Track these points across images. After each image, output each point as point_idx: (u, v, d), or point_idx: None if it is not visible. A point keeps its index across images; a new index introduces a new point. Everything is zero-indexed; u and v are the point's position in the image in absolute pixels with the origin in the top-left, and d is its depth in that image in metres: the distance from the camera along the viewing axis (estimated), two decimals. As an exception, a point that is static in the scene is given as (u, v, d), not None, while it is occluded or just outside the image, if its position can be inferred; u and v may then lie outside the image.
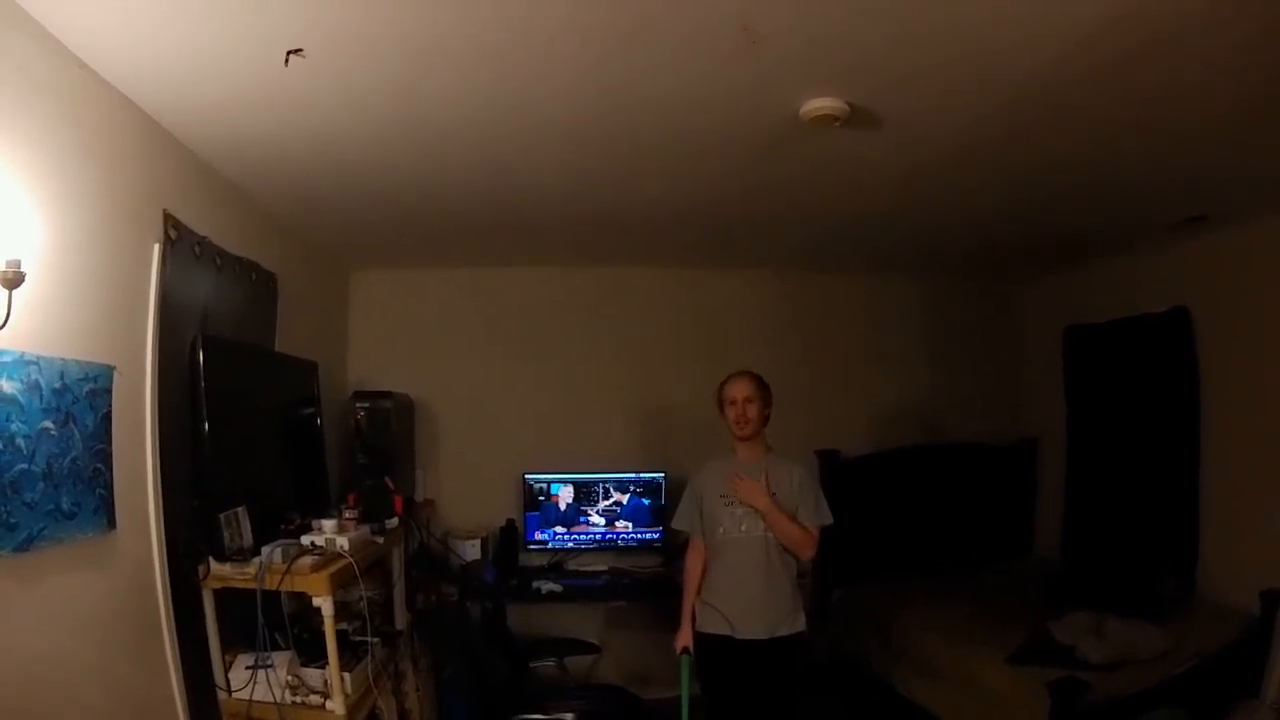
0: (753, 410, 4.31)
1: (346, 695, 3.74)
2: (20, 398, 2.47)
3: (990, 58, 3.00)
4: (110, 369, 3.01)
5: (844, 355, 7.16)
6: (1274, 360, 5.06)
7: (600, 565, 6.50)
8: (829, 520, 4.28)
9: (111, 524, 3.00)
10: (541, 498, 6.48)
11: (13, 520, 2.42)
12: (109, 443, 2.99)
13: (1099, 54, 2.93)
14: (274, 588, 3.57)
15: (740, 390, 4.35)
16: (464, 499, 6.59)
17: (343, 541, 3.91)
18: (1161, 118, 3.57)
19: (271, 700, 3.63)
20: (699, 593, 4.38)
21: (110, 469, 2.99)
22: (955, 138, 3.81)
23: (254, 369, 4.41)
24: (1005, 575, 6.54)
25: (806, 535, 4.16)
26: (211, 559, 3.57)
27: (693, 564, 4.45)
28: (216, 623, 3.71)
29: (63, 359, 2.72)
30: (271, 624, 3.69)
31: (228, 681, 3.70)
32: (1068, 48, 2.90)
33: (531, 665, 5.49)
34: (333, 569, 3.71)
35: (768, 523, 4.14)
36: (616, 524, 6.52)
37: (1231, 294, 5.39)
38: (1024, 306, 7.54)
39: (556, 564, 6.48)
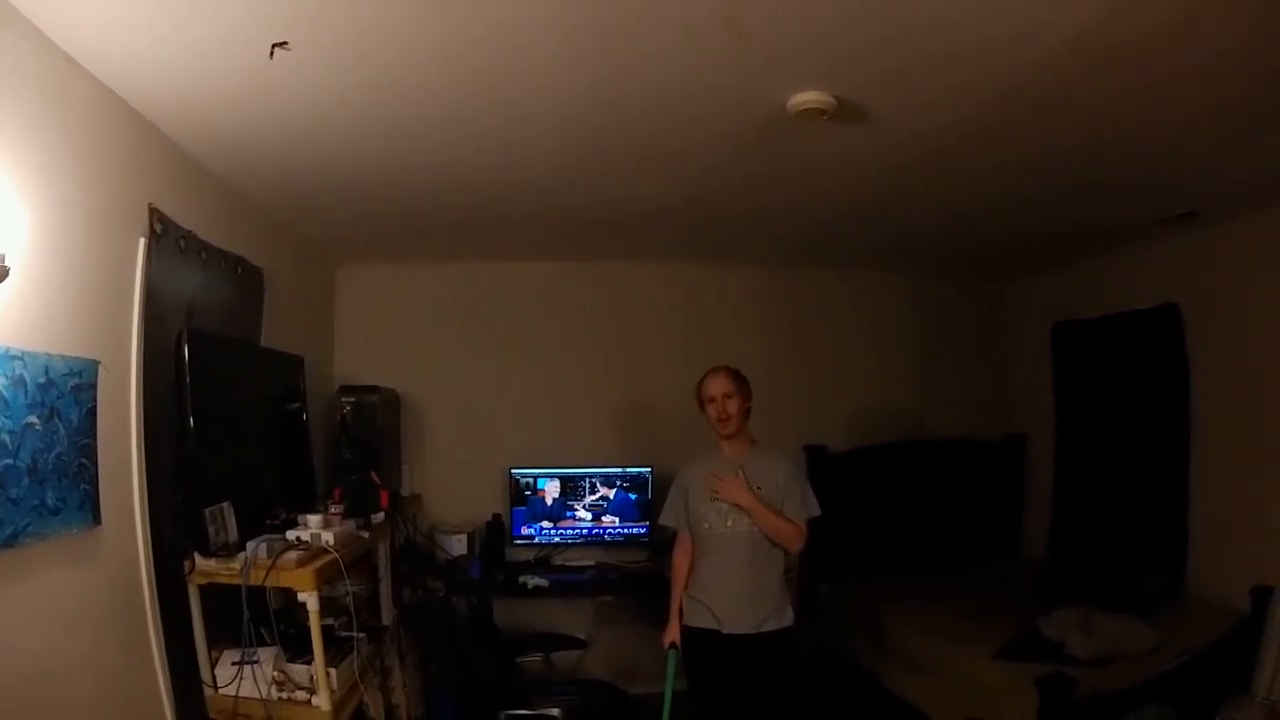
0: (732, 406, 4.30)
1: (332, 691, 3.73)
2: (5, 393, 2.46)
3: (979, 53, 3.00)
4: (95, 364, 2.99)
5: (832, 350, 7.17)
6: (1264, 357, 5.08)
7: (587, 560, 6.48)
8: (816, 512, 4.28)
9: (96, 519, 2.98)
10: (528, 492, 6.46)
11: (-3, 516, 2.41)
12: (94, 438, 2.97)
13: (1089, 50, 2.94)
14: (259, 583, 3.55)
15: (718, 387, 4.34)
16: (450, 494, 6.58)
17: (328, 536, 3.90)
18: (1152, 114, 3.58)
19: (258, 696, 3.63)
20: (686, 587, 4.38)
21: (95, 464, 2.97)
22: (944, 132, 3.81)
23: (240, 363, 4.39)
24: (993, 571, 6.57)
25: (793, 529, 4.16)
26: (197, 554, 3.55)
27: (680, 560, 4.45)
28: (202, 618, 3.69)
29: (47, 354, 2.70)
30: (257, 619, 3.67)
31: (214, 677, 3.69)
32: (1058, 44, 2.90)
33: (518, 660, 5.49)
34: (318, 564, 3.69)
35: (753, 518, 4.14)
36: (603, 519, 6.51)
37: (1221, 290, 5.41)
38: (1013, 302, 7.56)
39: (543, 559, 6.47)
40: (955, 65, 3.10)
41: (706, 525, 4.27)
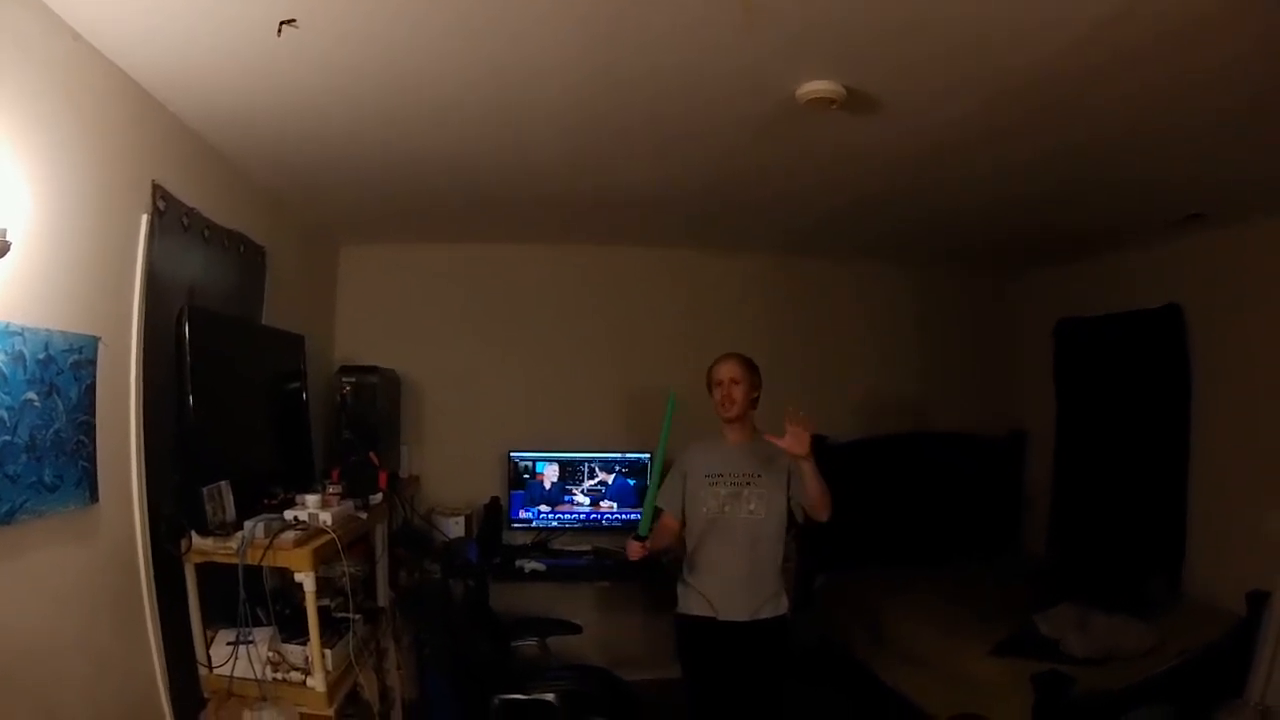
0: (738, 392, 4.30)
1: (327, 672, 3.73)
2: (4, 368, 2.45)
3: (991, 48, 2.98)
4: (95, 340, 2.97)
5: (834, 341, 7.16)
6: (1265, 361, 5.07)
7: (584, 545, 6.49)
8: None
9: (94, 497, 2.97)
10: (526, 476, 6.48)
11: (-6, 493, 2.39)
12: (92, 415, 2.96)
13: (1101, 48, 2.91)
14: (256, 563, 3.55)
15: (727, 372, 4.34)
16: (449, 476, 6.59)
17: (326, 517, 3.90)
18: (1160, 116, 3.56)
19: (252, 676, 3.62)
20: (681, 574, 4.37)
21: (93, 441, 2.96)
22: (953, 126, 3.78)
23: (240, 342, 4.37)
24: (991, 567, 6.56)
25: (829, 496, 4.10)
26: (194, 533, 3.54)
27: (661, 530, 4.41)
28: (198, 598, 3.69)
29: (48, 330, 2.69)
30: (253, 599, 3.66)
31: (209, 657, 3.69)
32: (1068, 42, 2.88)
33: (513, 644, 5.49)
34: (315, 544, 3.69)
35: (803, 474, 4.06)
36: (601, 504, 6.53)
37: (1225, 293, 5.40)
38: (1017, 297, 7.54)
39: (540, 543, 6.48)
40: (966, 60, 3.08)
41: (705, 510, 4.26)
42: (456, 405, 6.68)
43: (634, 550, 4.17)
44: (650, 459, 6.43)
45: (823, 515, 4.15)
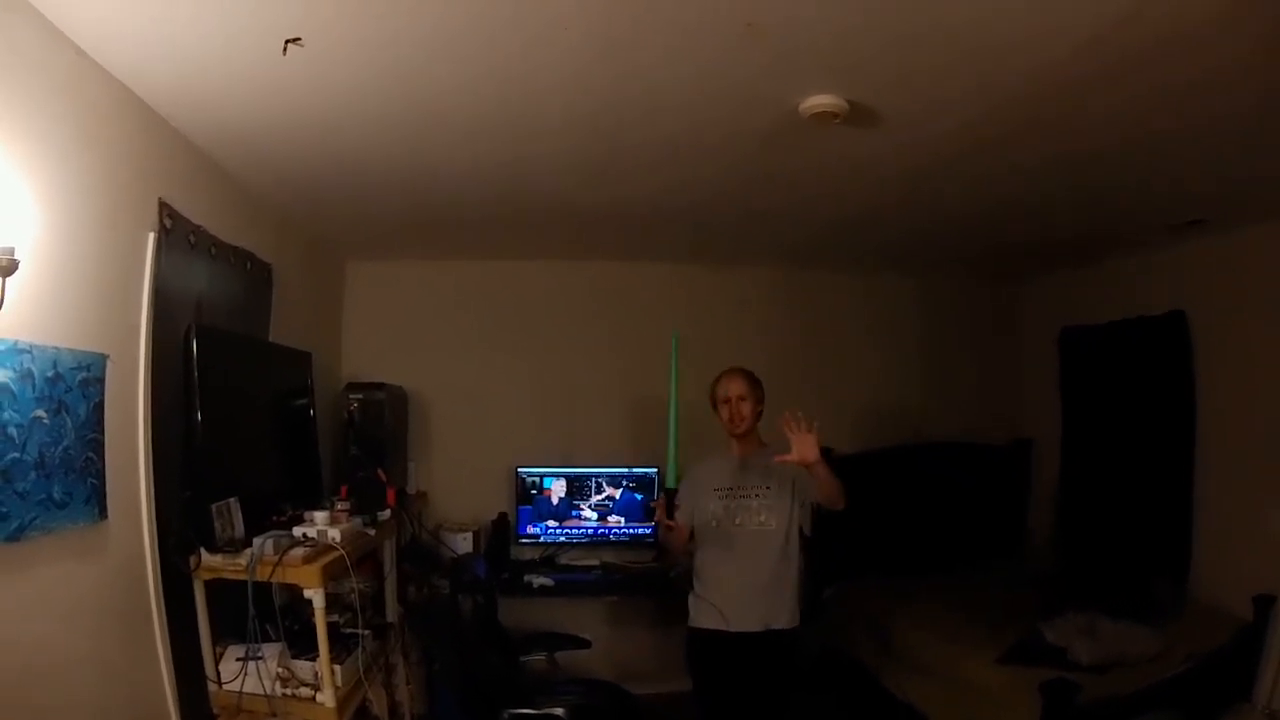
0: (745, 408, 4.31)
1: (337, 687, 3.71)
2: (13, 386, 2.46)
3: (990, 59, 2.99)
4: (103, 358, 2.99)
5: (838, 352, 7.16)
6: (1270, 365, 5.06)
7: (592, 560, 6.50)
8: None
9: (103, 514, 2.98)
10: (534, 491, 6.48)
11: (4, 510, 2.41)
12: (101, 432, 2.97)
13: (1100, 56, 2.92)
14: (265, 579, 3.54)
15: (733, 389, 4.34)
16: (456, 491, 6.58)
17: (334, 533, 3.89)
18: (1162, 122, 3.56)
19: (262, 692, 3.62)
20: (692, 588, 4.36)
21: (102, 458, 2.97)
22: (955, 137, 3.80)
23: (247, 359, 4.38)
24: (998, 575, 6.52)
25: (841, 486, 4.07)
26: (203, 550, 3.54)
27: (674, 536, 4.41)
28: (207, 614, 3.68)
29: (56, 347, 2.70)
30: (262, 616, 3.65)
31: (218, 673, 3.69)
32: (1068, 50, 2.89)
33: (522, 659, 5.48)
34: (324, 561, 3.69)
35: (818, 480, 4.01)
36: (609, 519, 6.53)
37: (1229, 299, 5.39)
38: (1020, 305, 7.55)
39: (548, 558, 6.48)
40: (967, 70, 3.09)
41: (714, 523, 4.26)
42: (464, 421, 6.69)
43: (660, 509, 4.15)
44: (659, 473, 6.42)
45: (840, 505, 4.12)
